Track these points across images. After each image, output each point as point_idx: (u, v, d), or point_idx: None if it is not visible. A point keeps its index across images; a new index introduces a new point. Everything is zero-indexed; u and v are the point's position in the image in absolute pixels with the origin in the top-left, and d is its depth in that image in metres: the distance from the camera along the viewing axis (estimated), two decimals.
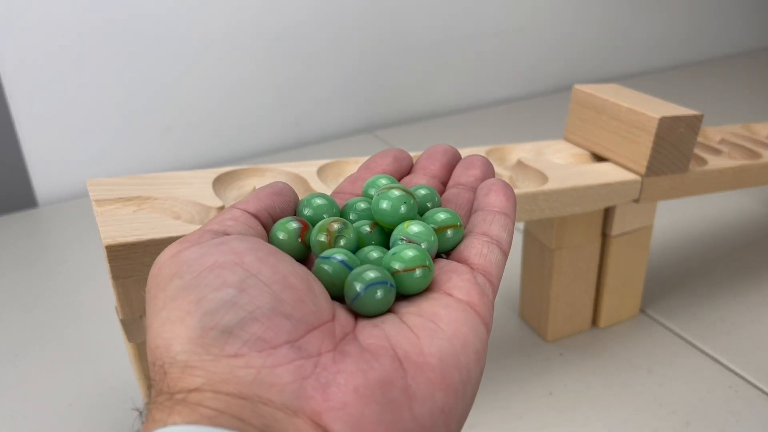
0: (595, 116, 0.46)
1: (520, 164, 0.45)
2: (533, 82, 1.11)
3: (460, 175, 0.28)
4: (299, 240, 0.23)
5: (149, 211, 0.33)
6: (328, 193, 0.28)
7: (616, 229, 0.47)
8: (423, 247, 0.23)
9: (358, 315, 0.22)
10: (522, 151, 0.47)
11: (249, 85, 0.86)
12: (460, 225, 0.24)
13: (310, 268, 0.22)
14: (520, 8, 1.03)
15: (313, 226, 0.23)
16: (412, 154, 0.43)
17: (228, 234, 0.22)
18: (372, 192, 0.26)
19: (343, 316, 0.21)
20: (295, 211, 0.25)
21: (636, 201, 0.45)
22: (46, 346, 0.51)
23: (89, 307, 0.56)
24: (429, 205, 0.25)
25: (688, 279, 0.58)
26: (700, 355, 0.48)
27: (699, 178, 0.47)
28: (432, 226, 0.24)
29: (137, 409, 0.21)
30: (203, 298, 0.19)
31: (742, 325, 0.52)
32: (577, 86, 0.48)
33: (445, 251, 0.24)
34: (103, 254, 0.30)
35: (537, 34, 1.07)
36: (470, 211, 0.26)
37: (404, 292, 0.22)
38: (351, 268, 0.22)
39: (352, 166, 0.41)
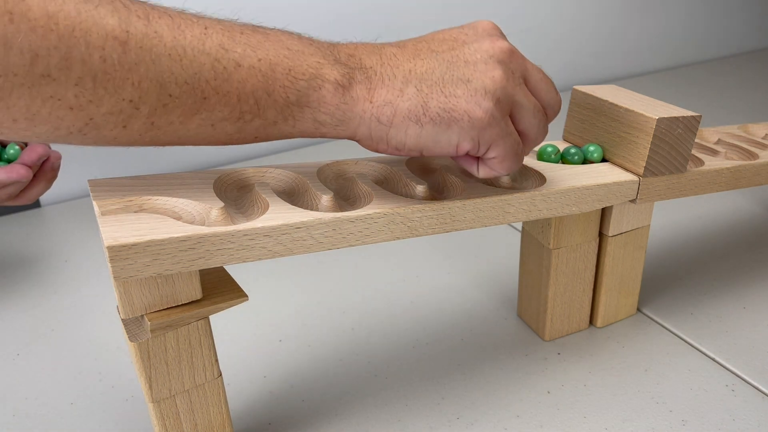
0: (593, 117, 0.47)
1: None
2: None
3: None
4: None
5: (150, 211, 0.34)
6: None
7: (613, 229, 0.47)
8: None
9: None
10: None
11: None
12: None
13: None
14: (519, 10, 1.03)
15: None
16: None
17: None
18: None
19: None
20: None
21: (633, 201, 0.45)
22: (47, 345, 0.52)
23: (91, 306, 0.57)
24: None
25: (685, 278, 0.58)
26: (697, 354, 0.49)
27: (696, 178, 0.47)
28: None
29: None
30: None
31: (739, 324, 0.52)
32: (576, 87, 0.48)
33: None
34: (105, 254, 0.30)
35: (537, 35, 1.07)
36: None
37: None
38: None
39: (352, 166, 0.41)
